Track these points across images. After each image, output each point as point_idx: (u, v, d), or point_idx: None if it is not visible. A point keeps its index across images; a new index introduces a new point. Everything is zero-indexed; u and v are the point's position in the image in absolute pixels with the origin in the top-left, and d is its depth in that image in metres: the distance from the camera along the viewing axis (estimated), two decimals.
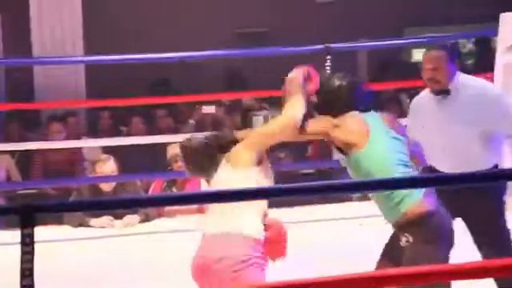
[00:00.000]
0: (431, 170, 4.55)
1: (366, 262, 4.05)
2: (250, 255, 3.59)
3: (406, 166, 3.97)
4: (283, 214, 6.43)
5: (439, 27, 9.53)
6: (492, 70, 6.73)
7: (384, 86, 7.84)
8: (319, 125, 4.01)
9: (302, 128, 3.92)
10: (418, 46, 10.61)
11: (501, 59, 6.63)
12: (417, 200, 3.90)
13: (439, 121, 4.52)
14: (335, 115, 4.02)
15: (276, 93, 7.63)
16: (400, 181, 3.42)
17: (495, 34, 6.70)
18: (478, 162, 4.46)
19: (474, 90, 4.51)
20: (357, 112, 4.04)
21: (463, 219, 4.50)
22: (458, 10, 10.00)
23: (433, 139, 4.53)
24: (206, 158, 3.84)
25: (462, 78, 4.56)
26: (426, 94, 4.64)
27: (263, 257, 3.65)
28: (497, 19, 6.64)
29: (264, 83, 7.86)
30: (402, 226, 3.92)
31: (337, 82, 4.07)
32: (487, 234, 4.48)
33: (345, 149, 3.99)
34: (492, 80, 6.64)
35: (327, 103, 4.05)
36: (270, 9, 10.16)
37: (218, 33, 9.56)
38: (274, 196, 3.40)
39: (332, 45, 6.75)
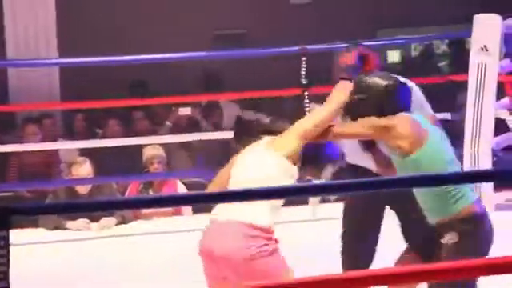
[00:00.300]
0: (353, 167, 4.59)
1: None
2: (261, 244, 3.59)
3: (455, 163, 4.00)
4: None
5: (412, 28, 9.58)
6: (466, 70, 6.78)
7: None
8: (365, 125, 3.92)
9: (339, 128, 3.93)
10: (392, 47, 10.69)
11: (474, 60, 6.69)
12: (471, 201, 3.92)
13: None
14: (381, 116, 3.93)
15: (252, 94, 7.74)
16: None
17: (469, 35, 6.75)
18: None
19: None
20: (404, 113, 3.96)
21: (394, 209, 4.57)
22: (432, 12, 10.05)
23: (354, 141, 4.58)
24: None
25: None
26: None
27: (275, 244, 3.64)
28: (470, 21, 6.69)
29: (241, 84, 7.88)
30: (451, 224, 3.90)
31: (383, 83, 3.97)
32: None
33: (399, 150, 3.90)
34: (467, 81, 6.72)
35: (374, 105, 3.94)
36: (247, 10, 10.17)
37: (196, 34, 9.55)
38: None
39: (308, 46, 6.78)
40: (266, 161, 3.76)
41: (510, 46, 6.70)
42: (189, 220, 6.64)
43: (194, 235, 6.23)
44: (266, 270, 3.57)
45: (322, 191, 3.54)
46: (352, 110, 3.97)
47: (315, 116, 3.92)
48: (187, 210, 6.81)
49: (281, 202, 3.73)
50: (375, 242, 4.64)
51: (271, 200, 3.62)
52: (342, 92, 4.00)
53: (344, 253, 4.69)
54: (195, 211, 6.83)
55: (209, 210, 6.74)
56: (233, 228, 3.65)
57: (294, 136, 3.81)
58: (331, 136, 3.92)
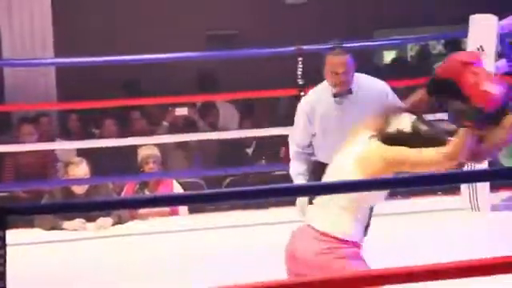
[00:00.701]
0: (323, 165, 4.59)
1: None
2: (334, 249, 3.58)
3: None
4: (249, 216, 6.53)
5: (409, 29, 9.58)
6: None
7: None
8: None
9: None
10: (388, 47, 10.70)
11: None
12: None
13: (344, 122, 4.57)
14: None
15: (248, 94, 7.74)
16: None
17: (465, 35, 6.75)
18: None
19: (368, 87, 4.69)
20: None
21: None
22: (428, 12, 10.06)
23: (336, 141, 4.57)
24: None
25: (356, 77, 4.73)
26: (319, 97, 4.70)
27: (349, 249, 3.59)
28: (466, 21, 6.69)
29: (236, 85, 7.88)
30: None
31: None
32: None
33: None
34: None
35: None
36: (242, 11, 10.17)
37: (190, 35, 9.55)
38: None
39: (304, 46, 6.78)
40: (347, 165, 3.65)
41: (503, 46, 6.70)
42: (185, 220, 6.65)
43: (190, 235, 6.29)
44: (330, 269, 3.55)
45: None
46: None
47: (420, 155, 3.53)
48: (183, 210, 6.81)
49: (364, 205, 3.64)
50: None
51: (353, 205, 3.58)
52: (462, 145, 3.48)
53: None
54: (191, 211, 6.83)
55: (205, 210, 6.81)
56: (309, 232, 3.65)
57: (382, 158, 3.56)
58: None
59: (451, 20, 8.67)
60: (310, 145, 4.73)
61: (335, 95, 4.69)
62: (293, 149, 4.76)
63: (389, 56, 10.78)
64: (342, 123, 4.61)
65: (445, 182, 3.46)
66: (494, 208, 6.58)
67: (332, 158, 4.55)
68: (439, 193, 6.87)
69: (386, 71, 9.15)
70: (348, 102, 4.68)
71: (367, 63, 9.81)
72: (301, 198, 4.60)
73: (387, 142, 3.59)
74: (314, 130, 4.71)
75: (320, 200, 3.69)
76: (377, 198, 3.68)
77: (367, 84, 4.73)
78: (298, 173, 4.70)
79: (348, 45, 7.68)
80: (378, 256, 4.47)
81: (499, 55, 6.69)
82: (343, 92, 4.68)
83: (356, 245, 3.64)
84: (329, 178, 3.73)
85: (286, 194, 3.17)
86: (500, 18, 6.66)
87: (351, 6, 10.26)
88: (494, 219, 6.44)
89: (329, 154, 4.61)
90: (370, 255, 4.16)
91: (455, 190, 6.71)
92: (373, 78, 4.86)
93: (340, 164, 3.71)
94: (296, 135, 4.75)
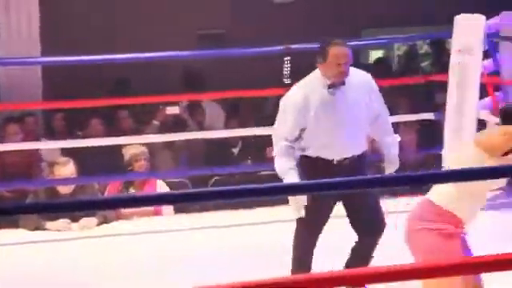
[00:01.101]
0: (318, 160, 4.65)
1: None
2: (432, 221, 3.96)
3: None
4: (214, 218, 6.50)
5: (396, 28, 9.59)
6: (446, 70, 6.80)
7: None
8: None
9: None
10: (375, 47, 10.70)
11: (455, 60, 6.69)
12: None
13: (336, 112, 4.68)
14: None
15: (235, 93, 7.71)
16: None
17: (450, 35, 6.76)
18: (363, 148, 4.79)
19: (357, 79, 4.76)
20: None
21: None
22: (415, 12, 10.07)
23: (329, 132, 4.65)
24: None
25: None
26: (311, 89, 4.70)
27: (450, 227, 3.96)
28: (451, 21, 6.70)
29: (223, 84, 7.86)
30: None
31: None
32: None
33: None
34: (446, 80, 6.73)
35: None
36: (230, 10, 10.16)
37: (179, 34, 9.53)
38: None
39: (292, 46, 6.77)
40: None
41: (490, 45, 6.71)
42: (170, 220, 6.62)
43: (175, 236, 6.26)
44: (424, 246, 3.94)
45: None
46: None
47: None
48: (169, 210, 6.78)
49: (475, 188, 3.98)
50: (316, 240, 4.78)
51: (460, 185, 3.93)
52: None
53: (297, 249, 4.73)
54: (176, 211, 6.81)
55: (190, 211, 6.78)
56: (420, 204, 4.06)
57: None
58: None
59: (437, 20, 8.66)
60: (298, 139, 4.71)
61: (331, 86, 4.70)
62: (281, 144, 4.72)
63: (376, 55, 10.79)
64: (334, 114, 4.69)
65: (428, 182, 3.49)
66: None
67: (324, 151, 4.61)
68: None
69: (371, 70, 9.14)
70: (340, 93, 4.71)
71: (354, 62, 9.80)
72: (297, 197, 4.57)
73: None
74: (306, 124, 4.70)
75: None
76: None
77: (355, 76, 4.78)
78: (288, 167, 4.67)
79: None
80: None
81: (486, 55, 6.70)
82: (340, 83, 4.69)
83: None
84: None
85: (273, 194, 3.14)
86: (487, 18, 6.67)
87: (338, 4, 10.26)
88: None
89: (320, 146, 4.66)
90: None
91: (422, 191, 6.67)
92: (359, 70, 4.92)
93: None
94: (284, 130, 4.72)
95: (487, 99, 6.82)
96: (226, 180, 7.39)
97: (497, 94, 6.84)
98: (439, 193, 4.00)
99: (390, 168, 4.87)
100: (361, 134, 4.79)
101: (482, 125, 6.78)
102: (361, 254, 4.74)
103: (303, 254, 4.76)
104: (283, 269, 4.71)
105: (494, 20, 6.74)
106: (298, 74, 6.68)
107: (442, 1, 9.64)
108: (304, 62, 5.98)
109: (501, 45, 6.80)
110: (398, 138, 5.00)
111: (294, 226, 6.29)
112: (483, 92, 6.77)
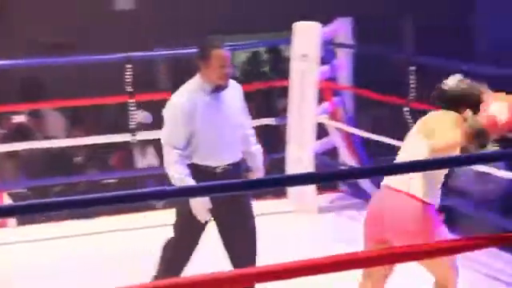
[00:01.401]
0: (203, 168, 4.66)
1: None
2: (413, 214, 4.11)
3: None
4: (81, 226, 6.44)
5: (239, 35, 9.72)
6: (285, 76, 6.95)
7: None
8: None
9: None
10: None
11: (296, 67, 6.86)
12: None
13: (219, 117, 4.68)
14: None
15: (76, 102, 7.60)
16: None
17: (289, 42, 6.92)
18: (241, 155, 4.79)
19: (232, 85, 4.76)
20: None
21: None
22: (257, 20, 10.23)
23: (215, 137, 4.67)
24: None
25: None
26: (197, 94, 4.67)
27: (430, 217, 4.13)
28: (290, 28, 6.87)
29: (63, 92, 7.75)
30: None
31: None
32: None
33: None
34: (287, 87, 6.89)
35: None
36: (72, 18, 10.02)
37: (21, 42, 9.33)
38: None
39: (133, 54, 6.75)
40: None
41: (327, 52, 6.91)
42: (14, 231, 6.48)
43: (19, 247, 6.13)
44: (414, 233, 4.07)
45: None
46: None
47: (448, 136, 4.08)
48: (12, 221, 6.63)
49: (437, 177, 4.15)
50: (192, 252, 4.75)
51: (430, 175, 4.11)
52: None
53: (170, 259, 4.73)
54: (20, 223, 6.66)
55: (34, 222, 6.64)
56: (390, 194, 4.19)
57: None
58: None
59: (277, 27, 8.84)
60: (187, 147, 4.66)
61: (214, 90, 4.67)
62: (173, 153, 4.63)
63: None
64: (219, 119, 4.68)
65: (273, 186, 3.59)
66: (321, 210, 6.77)
67: (209, 157, 4.60)
68: (268, 196, 6.99)
69: None
70: (221, 97, 4.70)
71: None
72: (200, 200, 4.55)
73: None
74: (194, 129, 4.64)
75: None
76: None
77: (230, 81, 4.77)
78: (185, 174, 4.59)
79: (178, 51, 7.77)
80: (214, 261, 4.54)
81: (323, 61, 6.89)
82: (224, 86, 4.68)
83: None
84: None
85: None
86: (325, 25, 6.86)
87: (179, 11, 10.31)
88: (321, 220, 6.64)
89: (207, 152, 4.63)
90: (209, 260, 4.22)
91: (281, 194, 6.85)
92: None
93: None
94: (174, 138, 4.64)
95: (326, 104, 7.01)
96: (68, 190, 7.30)
97: (334, 99, 7.04)
98: (417, 186, 4.14)
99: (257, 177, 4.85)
100: (239, 139, 4.79)
101: (321, 129, 6.99)
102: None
103: (175, 263, 4.72)
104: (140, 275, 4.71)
105: (330, 27, 6.94)
106: (139, 81, 6.72)
107: (281, 8, 9.86)
108: (145, 69, 6.02)
109: (337, 51, 7.01)
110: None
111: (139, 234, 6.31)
112: (322, 97, 6.96)
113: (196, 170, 4.63)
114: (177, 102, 4.69)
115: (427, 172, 4.11)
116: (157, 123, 7.31)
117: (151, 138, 6.85)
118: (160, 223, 6.13)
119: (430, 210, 4.16)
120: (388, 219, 4.18)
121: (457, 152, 4.15)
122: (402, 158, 4.26)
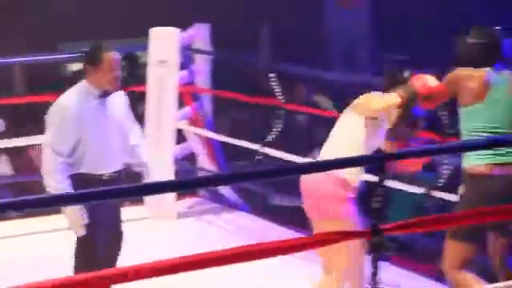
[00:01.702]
0: (86, 176, 4.54)
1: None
2: (338, 193, 4.21)
3: None
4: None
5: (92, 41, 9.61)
6: (141, 82, 6.92)
7: (42, 98, 7.75)
8: None
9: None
10: (73, 60, 10.64)
11: (153, 73, 6.83)
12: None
13: (107, 122, 4.60)
14: None
15: None
16: None
17: (145, 48, 6.89)
18: (124, 158, 4.73)
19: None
20: None
21: None
22: (110, 25, 10.14)
23: (105, 141, 4.57)
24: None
25: None
26: (83, 98, 4.56)
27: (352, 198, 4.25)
28: (147, 34, 6.84)
29: None
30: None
31: None
32: None
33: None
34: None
35: None
36: None
37: None
38: None
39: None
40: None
41: (185, 57, 6.93)
42: None
43: None
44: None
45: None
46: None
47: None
48: None
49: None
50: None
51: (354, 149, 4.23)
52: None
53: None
54: None
55: None
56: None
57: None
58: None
59: (135, 33, 8.80)
60: (71, 154, 4.50)
61: (103, 94, 4.56)
62: (56, 160, 4.44)
63: (75, 68, 10.75)
64: (106, 124, 4.58)
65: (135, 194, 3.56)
66: (180, 216, 6.77)
67: (95, 165, 4.48)
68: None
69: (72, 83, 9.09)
70: (107, 103, 4.60)
71: (55, 76, 9.75)
72: (74, 213, 4.42)
73: None
74: (81, 135, 4.50)
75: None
76: None
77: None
78: (65, 185, 4.42)
79: (32, 58, 7.61)
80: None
81: (182, 66, 6.89)
82: (114, 90, 4.59)
83: None
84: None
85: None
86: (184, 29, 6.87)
87: (34, 17, 10.12)
88: (180, 226, 6.63)
89: (92, 160, 4.51)
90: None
91: (138, 201, 6.76)
92: None
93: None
94: (60, 143, 4.47)
95: (186, 109, 7.02)
96: None
97: (194, 103, 7.06)
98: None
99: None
100: (125, 145, 4.71)
101: (180, 135, 7.00)
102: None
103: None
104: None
105: (188, 32, 6.95)
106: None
107: (136, 14, 9.81)
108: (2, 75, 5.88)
109: (195, 57, 7.03)
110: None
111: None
112: (181, 102, 6.96)
113: (81, 180, 4.48)
114: (65, 105, 4.53)
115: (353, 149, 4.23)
116: (10, 131, 7.17)
117: (3, 146, 6.69)
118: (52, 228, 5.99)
119: (346, 185, 4.25)
120: (305, 193, 4.34)
121: (387, 125, 4.30)
122: (335, 138, 4.34)
